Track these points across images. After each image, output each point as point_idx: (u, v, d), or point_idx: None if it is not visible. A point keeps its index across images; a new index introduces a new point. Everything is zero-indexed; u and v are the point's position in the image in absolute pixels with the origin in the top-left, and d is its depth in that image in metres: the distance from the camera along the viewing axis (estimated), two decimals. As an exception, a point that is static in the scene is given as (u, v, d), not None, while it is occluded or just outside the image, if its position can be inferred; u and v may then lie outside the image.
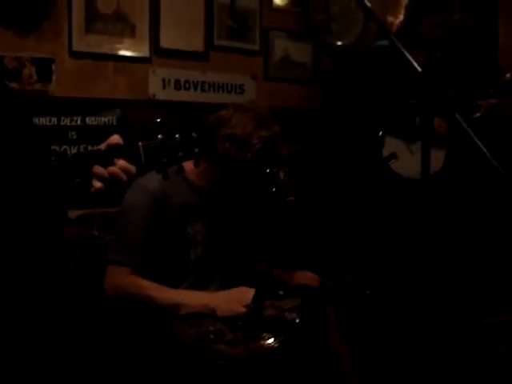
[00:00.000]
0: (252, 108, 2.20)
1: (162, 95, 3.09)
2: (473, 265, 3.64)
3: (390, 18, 3.74)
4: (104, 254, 2.08)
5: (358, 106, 3.15)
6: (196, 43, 3.20)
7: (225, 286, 2.15)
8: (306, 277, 2.36)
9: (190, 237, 2.14)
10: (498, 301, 3.49)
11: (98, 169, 1.37)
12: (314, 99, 3.67)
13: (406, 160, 2.99)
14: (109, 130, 2.94)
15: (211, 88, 3.24)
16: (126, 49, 2.99)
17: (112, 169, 1.37)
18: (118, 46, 2.97)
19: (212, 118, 2.15)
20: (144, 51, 3.04)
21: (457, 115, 1.30)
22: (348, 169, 3.40)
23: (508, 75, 3.11)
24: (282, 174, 2.79)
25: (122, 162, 1.38)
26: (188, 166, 2.17)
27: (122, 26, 2.97)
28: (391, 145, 3.06)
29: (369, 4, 1.61)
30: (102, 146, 1.43)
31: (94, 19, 2.88)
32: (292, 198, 2.80)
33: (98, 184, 1.37)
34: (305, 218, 3.24)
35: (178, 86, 3.13)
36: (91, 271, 2.16)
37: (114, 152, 1.40)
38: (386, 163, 3.04)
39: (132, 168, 1.39)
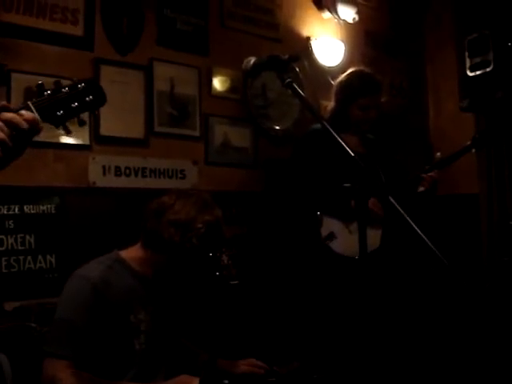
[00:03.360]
0: (194, 193, 2.23)
1: (102, 182, 3.07)
2: (416, 340, 3.67)
3: (325, 103, 3.89)
4: (41, 347, 2.00)
5: (296, 188, 3.21)
6: (136, 130, 3.23)
7: (170, 376, 2.09)
8: (251, 364, 2.31)
9: (133, 326, 2.08)
10: (443, 377, 3.51)
11: None
12: (255, 182, 3.73)
13: (344, 239, 3.03)
14: (47, 219, 2.89)
15: (152, 174, 3.24)
16: (66, 137, 2.98)
17: (5, 114, 1.34)
18: (58, 133, 2.95)
19: (154, 205, 2.16)
20: (84, 139, 3.04)
21: (389, 197, 1.35)
22: (289, 249, 3.42)
23: (438, 154, 3.24)
24: (225, 258, 2.80)
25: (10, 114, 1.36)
26: (130, 253, 2.17)
27: (62, 114, 2.98)
28: (329, 225, 3.10)
29: (302, 92, 1.68)
30: None
31: (33, 108, 2.89)
32: (236, 282, 2.80)
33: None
34: (249, 302, 3.22)
35: (118, 172, 3.13)
36: (29, 365, 2.07)
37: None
38: (324, 243, 3.07)
39: (27, 114, 1.37)
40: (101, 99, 1.54)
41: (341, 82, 3.23)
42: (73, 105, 1.49)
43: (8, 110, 1.39)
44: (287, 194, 3.35)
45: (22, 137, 1.37)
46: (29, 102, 1.42)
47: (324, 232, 3.08)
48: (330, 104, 3.36)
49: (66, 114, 1.48)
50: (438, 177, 3.14)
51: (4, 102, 1.42)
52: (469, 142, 3.29)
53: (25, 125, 1.36)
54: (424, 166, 3.20)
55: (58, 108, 1.47)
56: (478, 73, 3.62)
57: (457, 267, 1.37)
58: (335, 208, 3.05)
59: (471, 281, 3.71)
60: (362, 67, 3.30)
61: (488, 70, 3.57)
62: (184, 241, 2.08)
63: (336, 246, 3.05)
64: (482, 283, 3.70)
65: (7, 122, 1.34)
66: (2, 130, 1.33)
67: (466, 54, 3.69)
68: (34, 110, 1.41)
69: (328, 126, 1.59)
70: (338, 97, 3.24)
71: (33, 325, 2.28)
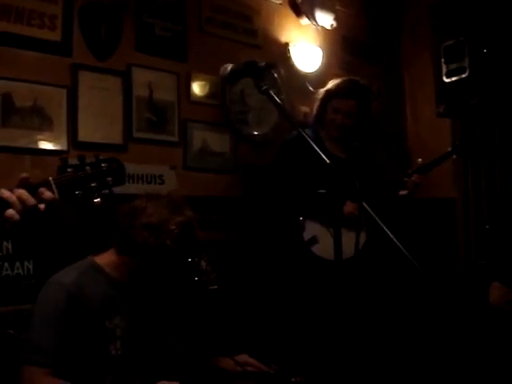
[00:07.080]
0: (165, 196, 2.23)
1: (80, 187, 3.05)
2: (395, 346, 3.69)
3: (303, 108, 3.92)
4: (19, 354, 1.99)
5: (277, 194, 3.23)
6: (114, 136, 3.21)
7: (147, 382, 2.09)
8: (244, 362, 2.35)
9: (108, 331, 2.08)
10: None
11: (5, 192, 1.32)
12: (234, 187, 3.73)
13: (326, 243, 3.04)
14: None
15: (131, 179, 3.22)
16: (44, 142, 2.97)
17: (20, 191, 1.33)
18: (36, 139, 2.95)
19: (126, 209, 2.16)
20: (62, 144, 3.02)
21: (363, 203, 1.37)
22: (270, 254, 3.43)
23: (420, 159, 3.28)
24: (203, 263, 2.80)
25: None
26: (104, 259, 2.17)
27: (40, 120, 2.95)
28: (312, 229, 3.12)
29: (279, 99, 1.70)
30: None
31: (10, 113, 2.86)
32: (215, 287, 2.81)
33: (9, 212, 1.31)
34: (228, 306, 3.23)
35: (96, 177, 3.11)
36: (8, 372, 2.06)
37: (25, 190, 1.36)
38: (307, 246, 3.09)
39: (46, 193, 1.35)
40: (120, 180, 1.50)
41: (326, 87, 3.33)
42: (92, 184, 1.46)
43: (27, 184, 1.36)
44: (268, 200, 3.37)
45: (37, 213, 1.34)
46: (50, 178, 1.39)
47: (306, 236, 3.11)
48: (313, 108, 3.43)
49: (84, 193, 1.45)
50: (420, 181, 3.18)
51: (25, 175, 1.39)
52: (450, 148, 3.34)
53: (41, 206, 1.35)
54: (406, 171, 3.25)
55: (77, 187, 1.43)
56: (453, 79, 3.66)
57: (430, 273, 1.38)
58: (315, 213, 3.08)
59: (445, 286, 3.75)
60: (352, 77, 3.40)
61: (464, 76, 3.61)
62: (158, 243, 2.08)
63: (318, 249, 3.08)
64: (459, 286, 3.74)
65: (20, 199, 1.31)
66: (15, 207, 1.31)
67: (442, 60, 3.73)
68: (54, 188, 1.38)
69: (303, 133, 1.60)
70: (320, 99, 3.32)
71: (10, 331, 2.26)
